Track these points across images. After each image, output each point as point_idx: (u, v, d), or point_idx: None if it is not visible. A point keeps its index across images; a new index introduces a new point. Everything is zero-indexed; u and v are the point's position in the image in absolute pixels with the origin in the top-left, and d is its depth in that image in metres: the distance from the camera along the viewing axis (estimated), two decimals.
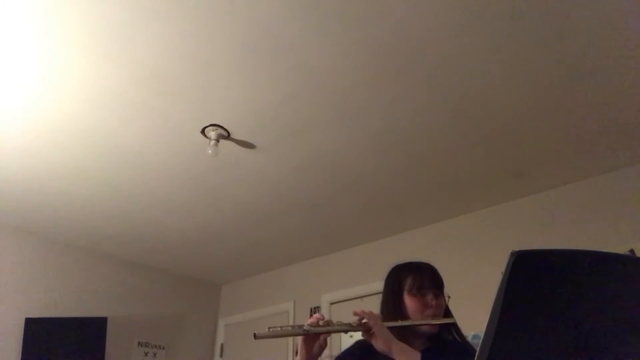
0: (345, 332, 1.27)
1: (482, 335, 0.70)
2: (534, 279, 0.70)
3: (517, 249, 0.68)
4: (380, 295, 1.47)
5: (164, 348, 4.51)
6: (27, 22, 2.02)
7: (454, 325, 1.38)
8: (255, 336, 1.17)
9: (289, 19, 1.99)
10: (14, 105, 2.51)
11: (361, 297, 3.88)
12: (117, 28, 2.04)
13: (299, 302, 4.43)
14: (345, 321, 1.27)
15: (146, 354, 4.37)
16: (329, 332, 1.27)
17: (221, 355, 4.84)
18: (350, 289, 4.04)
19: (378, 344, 1.21)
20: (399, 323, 1.31)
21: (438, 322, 1.35)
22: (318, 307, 4.23)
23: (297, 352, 1.35)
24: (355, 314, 1.26)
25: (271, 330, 1.19)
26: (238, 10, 1.95)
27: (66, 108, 2.53)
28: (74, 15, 1.98)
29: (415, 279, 1.39)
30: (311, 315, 1.44)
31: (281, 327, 1.20)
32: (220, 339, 4.95)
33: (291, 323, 4.32)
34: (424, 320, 1.34)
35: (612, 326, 0.74)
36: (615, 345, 0.74)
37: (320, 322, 1.25)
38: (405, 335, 1.29)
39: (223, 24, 2.02)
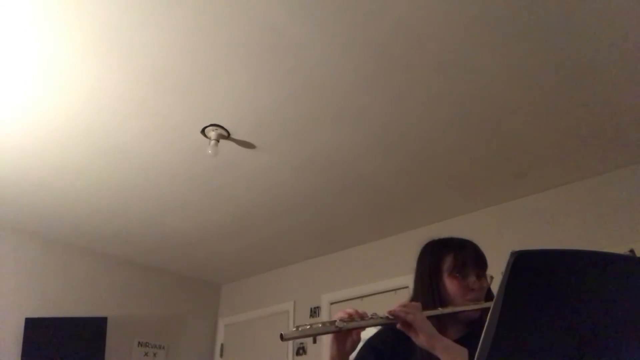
0: (382, 326, 1.13)
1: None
2: (534, 279, 0.70)
3: (517, 249, 0.68)
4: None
5: (164, 348, 4.51)
6: (28, 22, 2.02)
7: None
8: (282, 337, 1.02)
9: (289, 19, 1.99)
10: (14, 105, 2.51)
11: (361, 297, 3.88)
12: (118, 28, 2.04)
13: (299, 302, 4.43)
14: (382, 313, 1.12)
15: (146, 354, 4.37)
16: (363, 327, 1.11)
17: (221, 355, 4.84)
18: (350, 289, 4.04)
19: (420, 341, 1.07)
20: (440, 311, 1.16)
21: (483, 307, 1.18)
22: (318, 307, 4.23)
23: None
24: (393, 313, 1.10)
25: (300, 329, 1.04)
26: (238, 10, 1.95)
27: (66, 108, 2.53)
28: (74, 15, 1.98)
29: (456, 259, 1.23)
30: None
31: (310, 325, 1.05)
32: (220, 339, 4.95)
33: (291, 323, 4.32)
34: (466, 305, 1.18)
35: (613, 326, 0.74)
36: (616, 346, 0.74)
37: (355, 317, 1.10)
38: (443, 321, 1.16)
39: (223, 24, 2.02)
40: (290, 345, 4.23)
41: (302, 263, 4.61)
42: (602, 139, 2.75)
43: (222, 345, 4.89)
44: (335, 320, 1.07)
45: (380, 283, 3.84)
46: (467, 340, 1.10)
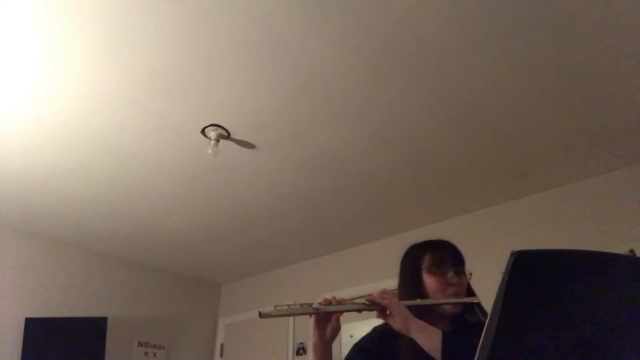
0: (359, 311, 1.17)
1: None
2: (534, 279, 0.70)
3: (517, 249, 0.68)
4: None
5: (164, 348, 4.51)
6: (28, 22, 2.01)
7: (479, 305, 1.26)
8: (260, 314, 1.08)
9: (289, 18, 1.99)
10: (14, 105, 2.51)
11: (361, 297, 3.88)
12: (118, 28, 2.04)
13: (298, 302, 4.41)
14: (359, 300, 1.16)
15: (146, 354, 4.37)
16: (340, 312, 1.17)
17: (221, 355, 4.84)
18: (350, 289, 4.04)
19: (395, 324, 1.12)
20: (417, 302, 1.21)
21: (460, 301, 1.24)
22: None
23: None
24: (369, 299, 1.16)
25: (277, 308, 1.10)
26: (238, 10, 1.95)
27: (66, 108, 2.53)
28: (74, 15, 1.98)
29: (434, 256, 1.30)
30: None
31: (288, 305, 1.11)
32: (220, 339, 4.95)
33: (291, 323, 4.32)
34: (444, 299, 1.24)
35: (612, 326, 0.74)
36: (616, 346, 0.74)
37: (333, 302, 1.15)
38: (425, 317, 1.18)
39: (223, 24, 2.02)
40: (290, 345, 4.23)
41: (302, 263, 4.61)
42: (602, 139, 2.75)
43: (222, 345, 4.90)
44: (312, 303, 1.13)
45: (380, 283, 3.83)
46: (451, 331, 1.14)
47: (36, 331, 3.68)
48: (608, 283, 0.73)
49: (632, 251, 2.76)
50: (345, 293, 4.06)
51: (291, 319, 4.35)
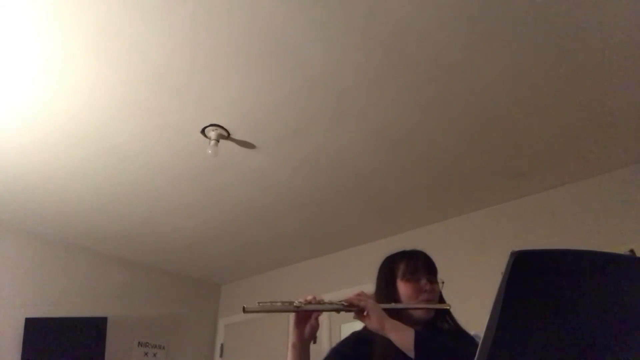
0: (338, 311, 1.24)
1: (482, 335, 0.70)
2: (534, 279, 0.70)
3: (517, 249, 0.68)
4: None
5: (164, 348, 4.51)
6: (28, 23, 2.01)
7: (449, 312, 1.35)
8: (244, 310, 1.17)
9: (289, 19, 1.99)
10: (14, 105, 2.51)
11: (340, 300, 3.87)
12: (118, 28, 2.04)
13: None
14: (337, 301, 1.24)
15: (146, 354, 4.37)
16: (320, 311, 1.24)
17: (221, 355, 4.84)
18: (349, 289, 4.02)
19: (371, 323, 1.19)
20: (393, 305, 1.30)
21: (432, 307, 1.33)
22: None
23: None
24: (347, 300, 1.23)
25: (261, 305, 1.18)
26: (238, 10, 1.95)
27: (66, 108, 2.53)
28: (74, 15, 1.98)
29: (408, 265, 1.39)
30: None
31: (271, 302, 1.19)
32: (220, 339, 4.95)
33: (291, 324, 4.32)
34: (418, 303, 1.32)
35: (612, 326, 0.74)
36: (616, 346, 0.74)
37: (313, 302, 1.22)
38: (399, 321, 1.24)
39: (223, 24, 2.02)
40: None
41: (302, 263, 4.61)
42: (602, 139, 2.75)
43: (222, 345, 4.89)
44: (294, 301, 1.20)
45: None
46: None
47: (36, 331, 3.68)
48: (608, 283, 0.73)
49: (632, 251, 2.75)
50: (345, 293, 4.05)
51: (291, 319, 4.35)
